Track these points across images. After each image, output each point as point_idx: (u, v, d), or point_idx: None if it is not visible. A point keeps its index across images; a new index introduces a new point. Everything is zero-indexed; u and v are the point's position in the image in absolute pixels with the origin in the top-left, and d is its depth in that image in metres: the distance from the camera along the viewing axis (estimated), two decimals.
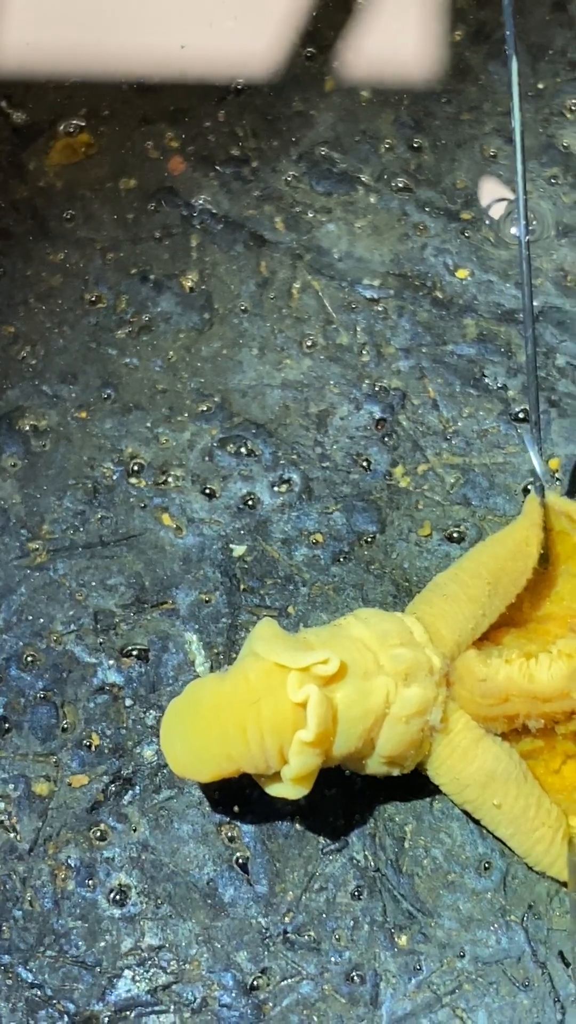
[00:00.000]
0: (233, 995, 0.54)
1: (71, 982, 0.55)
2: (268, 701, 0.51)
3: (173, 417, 0.64)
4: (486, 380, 0.65)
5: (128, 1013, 0.54)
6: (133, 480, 0.63)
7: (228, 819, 0.57)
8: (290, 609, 0.60)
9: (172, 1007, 0.54)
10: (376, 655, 0.53)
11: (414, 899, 0.56)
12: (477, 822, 0.56)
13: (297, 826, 0.57)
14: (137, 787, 0.57)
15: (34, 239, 0.68)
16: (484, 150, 0.70)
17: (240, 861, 0.56)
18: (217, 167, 0.70)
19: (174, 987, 0.55)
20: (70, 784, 0.57)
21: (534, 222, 0.68)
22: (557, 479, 0.63)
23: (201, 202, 0.69)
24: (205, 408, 0.64)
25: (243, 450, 0.63)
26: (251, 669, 0.52)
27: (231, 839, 0.57)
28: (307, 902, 0.56)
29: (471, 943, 0.55)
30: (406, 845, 0.57)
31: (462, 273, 0.67)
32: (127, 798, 0.57)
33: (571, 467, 0.63)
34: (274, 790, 0.53)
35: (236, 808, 0.57)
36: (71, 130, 0.71)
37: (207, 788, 0.57)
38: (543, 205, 0.69)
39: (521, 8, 0.74)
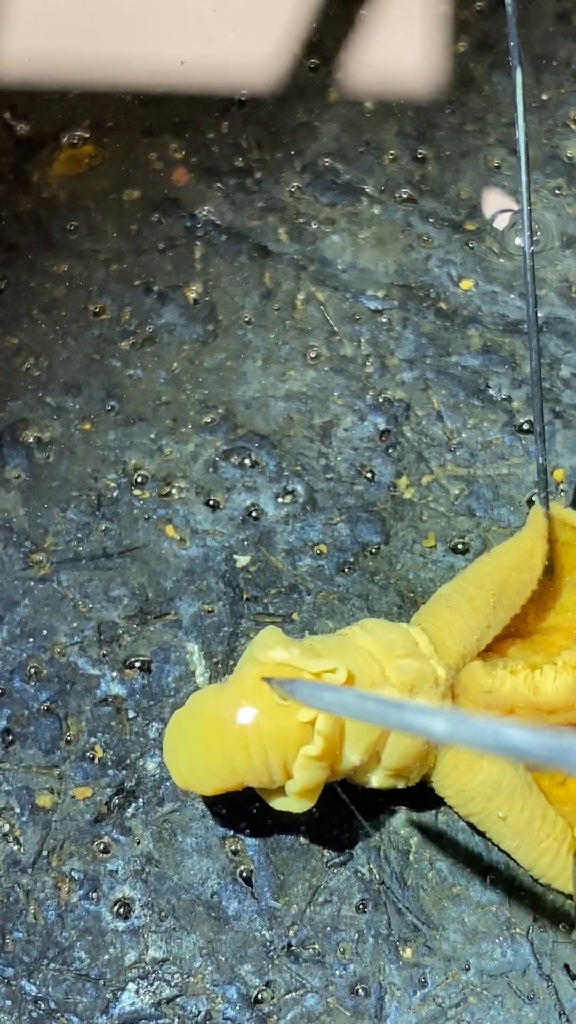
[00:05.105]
0: (237, 1008, 0.54)
1: (75, 995, 0.55)
2: (270, 715, 0.50)
3: (177, 429, 0.64)
4: (490, 391, 0.65)
5: None
6: (137, 492, 0.63)
7: (232, 832, 0.57)
8: (295, 615, 0.60)
9: (176, 1020, 0.54)
10: (382, 666, 0.52)
11: (419, 912, 0.56)
12: (482, 834, 0.56)
13: (301, 839, 0.57)
14: (140, 800, 0.57)
15: (37, 251, 0.68)
16: (488, 161, 0.70)
17: (244, 874, 0.56)
18: (221, 178, 0.70)
19: (178, 1000, 0.54)
20: (74, 796, 0.57)
21: (538, 233, 0.69)
22: (562, 490, 0.63)
23: (205, 213, 0.69)
24: (209, 420, 0.64)
25: (247, 461, 0.63)
26: (248, 676, 0.51)
27: (235, 852, 0.57)
28: (311, 915, 0.56)
29: (476, 956, 0.55)
30: (411, 858, 0.57)
31: (466, 284, 0.67)
32: (130, 811, 0.57)
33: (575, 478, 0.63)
34: (278, 804, 0.53)
35: (240, 821, 0.57)
36: (75, 141, 0.71)
37: (211, 801, 0.57)
38: (547, 216, 0.69)
39: (525, 19, 0.74)
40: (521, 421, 0.64)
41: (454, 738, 0.39)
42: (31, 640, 0.60)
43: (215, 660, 0.59)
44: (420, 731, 0.42)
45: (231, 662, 0.59)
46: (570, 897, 0.55)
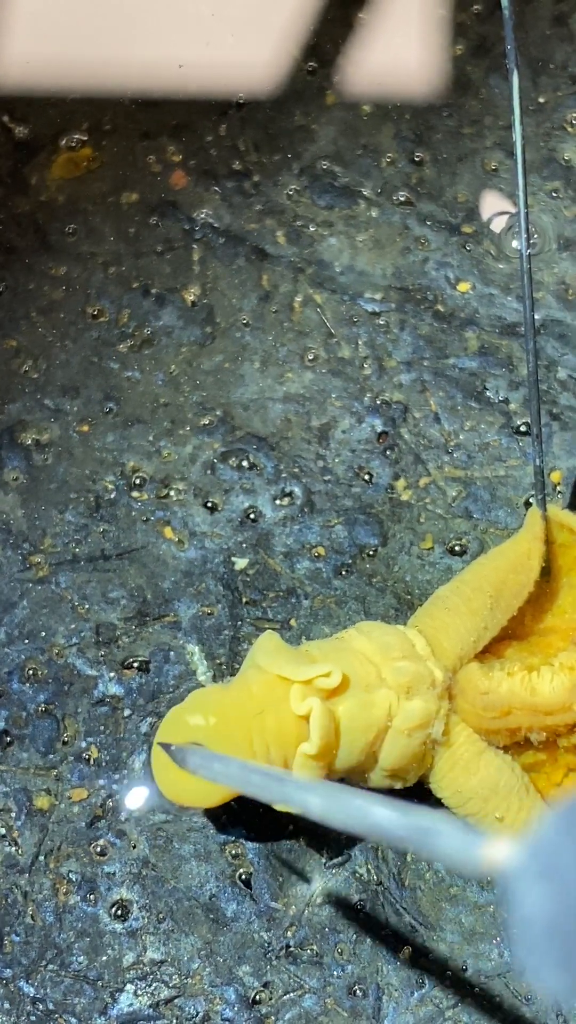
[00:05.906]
0: (235, 1009, 0.54)
1: (73, 996, 0.55)
2: (272, 714, 0.51)
3: (175, 431, 0.64)
4: (488, 393, 0.65)
5: None
6: (135, 494, 0.63)
7: (233, 837, 0.57)
8: (292, 622, 0.60)
9: (174, 1021, 0.54)
10: (378, 668, 0.53)
11: (416, 913, 0.56)
12: None
13: (300, 840, 0.57)
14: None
15: (36, 253, 0.68)
16: (485, 164, 0.71)
17: (243, 877, 0.56)
18: (219, 181, 0.70)
19: (176, 1001, 0.55)
20: (71, 798, 0.57)
21: (535, 236, 0.69)
22: (559, 492, 0.63)
23: (203, 216, 0.69)
24: (207, 422, 0.64)
25: (245, 463, 0.63)
26: (254, 681, 0.52)
27: (235, 856, 0.57)
28: (309, 916, 0.56)
29: (473, 957, 0.55)
30: (408, 859, 0.57)
31: (463, 286, 0.68)
32: (124, 815, 0.57)
33: (573, 480, 0.63)
34: (279, 805, 0.53)
35: (239, 824, 0.57)
36: (73, 144, 0.71)
37: (209, 810, 0.57)
38: (544, 219, 0.69)
39: (522, 22, 0.74)
40: (518, 423, 0.64)
41: (327, 814, 0.42)
42: (29, 642, 0.60)
43: (218, 662, 0.60)
44: (298, 805, 0.45)
45: (236, 664, 0.59)
46: None
